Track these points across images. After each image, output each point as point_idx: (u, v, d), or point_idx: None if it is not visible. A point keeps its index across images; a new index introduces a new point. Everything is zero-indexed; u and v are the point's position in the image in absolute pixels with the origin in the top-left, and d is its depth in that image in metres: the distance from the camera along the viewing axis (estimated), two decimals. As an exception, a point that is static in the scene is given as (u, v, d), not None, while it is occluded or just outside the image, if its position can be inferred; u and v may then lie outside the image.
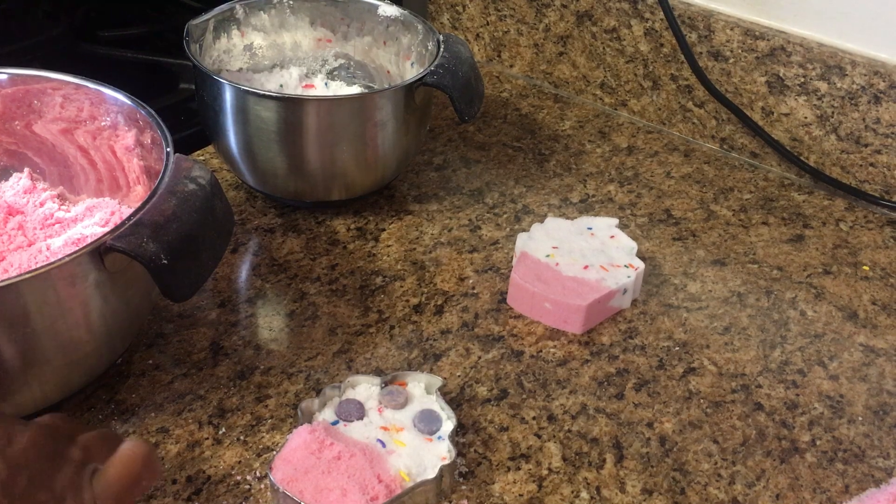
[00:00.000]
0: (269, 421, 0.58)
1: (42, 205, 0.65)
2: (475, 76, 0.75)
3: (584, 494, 0.55)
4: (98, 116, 0.65)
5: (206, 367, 0.61)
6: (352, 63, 0.85)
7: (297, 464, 0.52)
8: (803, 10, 0.82)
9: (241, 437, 0.57)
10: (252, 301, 0.68)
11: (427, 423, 0.55)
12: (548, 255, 0.69)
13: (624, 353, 0.65)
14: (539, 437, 0.58)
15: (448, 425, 0.55)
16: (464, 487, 0.54)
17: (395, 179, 0.80)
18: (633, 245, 0.70)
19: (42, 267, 0.49)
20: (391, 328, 0.66)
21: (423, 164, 0.84)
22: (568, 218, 0.74)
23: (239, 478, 0.54)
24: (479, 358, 0.64)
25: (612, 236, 0.71)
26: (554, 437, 0.58)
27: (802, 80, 0.82)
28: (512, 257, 0.73)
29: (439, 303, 0.68)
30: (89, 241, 0.55)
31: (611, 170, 0.85)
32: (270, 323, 0.66)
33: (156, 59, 0.95)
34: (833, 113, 0.82)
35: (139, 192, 0.65)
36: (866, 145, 0.81)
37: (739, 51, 0.84)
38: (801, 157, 0.85)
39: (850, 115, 0.81)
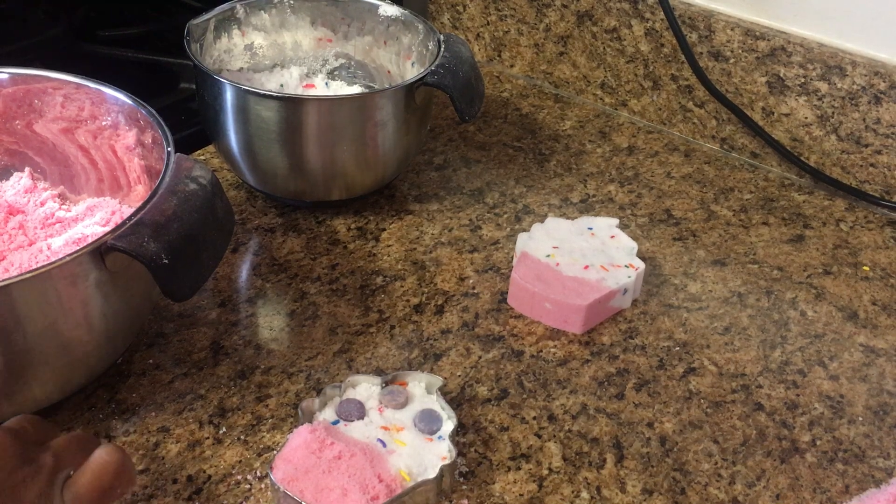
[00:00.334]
0: (270, 420, 0.58)
1: (43, 204, 0.65)
2: (476, 76, 0.75)
3: (584, 494, 0.55)
4: (99, 116, 0.65)
5: (207, 366, 0.61)
6: (352, 63, 0.85)
7: (298, 463, 0.52)
8: (804, 10, 0.82)
9: (242, 437, 0.57)
10: (252, 301, 0.68)
11: (427, 422, 0.55)
12: (548, 255, 0.69)
13: (624, 353, 0.65)
14: (539, 436, 0.58)
15: (448, 425, 0.55)
16: (464, 487, 0.54)
17: (395, 179, 0.80)
18: (634, 245, 0.70)
19: (43, 266, 0.49)
20: (392, 328, 0.66)
21: (424, 163, 0.84)
22: (568, 218, 0.74)
23: (239, 477, 0.54)
24: (480, 358, 0.64)
25: (612, 236, 0.71)
26: (554, 436, 0.58)
27: (803, 80, 0.82)
28: (512, 257, 0.73)
29: (440, 303, 0.68)
30: (90, 240, 0.55)
31: (611, 170, 0.85)
32: (271, 322, 0.66)
33: (156, 58, 0.95)
34: (833, 113, 0.82)
35: (140, 192, 0.65)
36: (867, 146, 0.81)
37: (740, 51, 0.84)
38: (802, 158, 0.85)
39: (850, 116, 0.81)
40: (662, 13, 0.86)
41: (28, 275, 0.48)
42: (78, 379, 0.57)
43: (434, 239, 0.75)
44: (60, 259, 0.49)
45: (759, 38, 0.83)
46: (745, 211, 0.81)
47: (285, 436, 0.57)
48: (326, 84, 0.84)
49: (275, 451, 0.55)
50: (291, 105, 0.70)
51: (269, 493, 0.53)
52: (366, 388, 0.58)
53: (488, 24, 1.00)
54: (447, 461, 0.53)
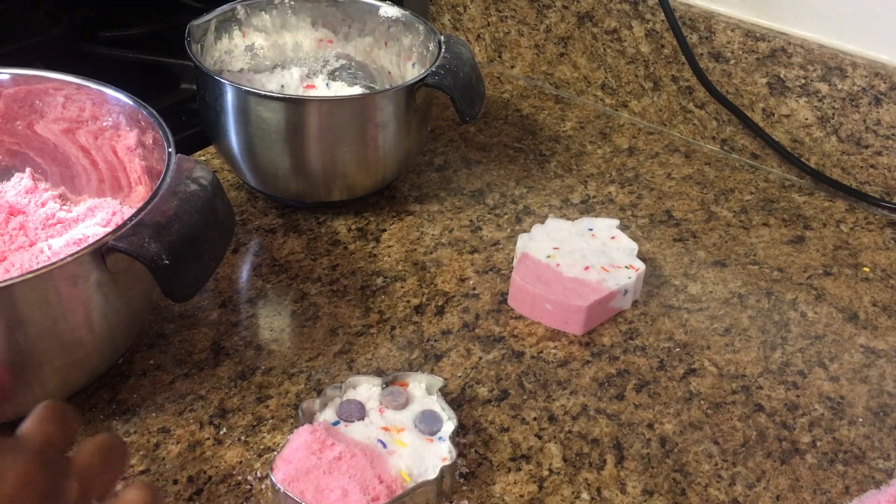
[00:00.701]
0: (270, 421, 0.58)
1: (44, 205, 0.65)
2: (476, 77, 0.75)
3: (584, 495, 0.55)
4: (100, 116, 0.65)
5: (208, 367, 0.61)
6: (353, 64, 0.85)
7: (298, 464, 0.52)
8: (804, 11, 0.82)
9: (242, 438, 0.57)
10: (253, 301, 0.68)
11: (428, 423, 0.55)
12: (549, 256, 0.69)
13: (624, 353, 0.65)
14: (540, 437, 0.58)
15: (449, 426, 0.55)
16: (465, 488, 0.54)
17: (396, 180, 0.80)
18: (634, 246, 0.70)
19: (44, 267, 0.49)
20: (392, 329, 0.66)
21: (424, 164, 0.84)
22: (569, 219, 0.74)
23: (240, 478, 0.54)
24: (480, 359, 0.64)
25: (612, 237, 0.71)
26: (554, 437, 0.58)
27: (803, 81, 0.82)
28: (513, 258, 0.73)
29: (440, 303, 0.68)
30: (91, 241, 0.55)
31: (611, 171, 0.85)
32: (271, 323, 0.66)
33: (157, 59, 0.95)
34: (834, 114, 0.82)
35: (141, 193, 0.65)
36: (867, 147, 0.81)
37: (740, 52, 0.84)
38: (802, 159, 0.85)
39: (850, 117, 0.81)
40: (663, 14, 0.86)
41: (29, 275, 0.48)
42: (79, 379, 0.57)
43: (434, 240, 0.75)
44: (61, 260, 0.49)
45: (759, 39, 0.83)
46: (745, 212, 0.81)
47: (286, 436, 0.57)
48: (327, 85, 0.84)
49: (275, 452, 0.55)
50: (292, 106, 0.70)
51: (269, 493, 0.53)
52: (366, 389, 0.58)
53: (489, 24, 1.00)
54: (447, 462, 0.53)
